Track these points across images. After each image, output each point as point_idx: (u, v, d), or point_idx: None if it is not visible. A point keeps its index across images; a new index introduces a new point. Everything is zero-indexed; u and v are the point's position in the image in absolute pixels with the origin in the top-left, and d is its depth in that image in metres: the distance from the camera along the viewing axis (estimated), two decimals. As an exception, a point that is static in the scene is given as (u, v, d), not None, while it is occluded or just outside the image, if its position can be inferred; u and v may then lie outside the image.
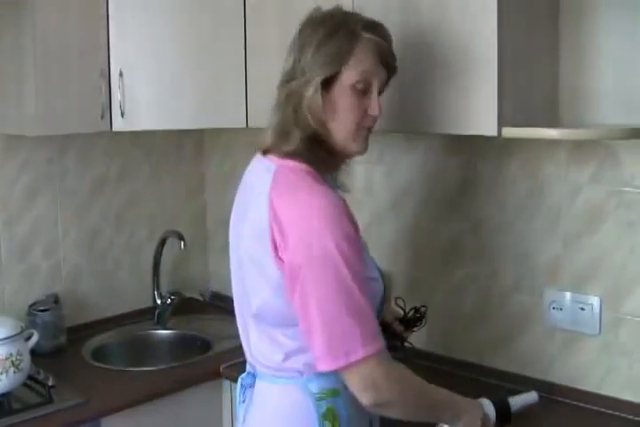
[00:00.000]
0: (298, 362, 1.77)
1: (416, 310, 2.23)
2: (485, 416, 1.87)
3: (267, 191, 1.71)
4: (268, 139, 1.80)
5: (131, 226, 3.11)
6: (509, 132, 2.00)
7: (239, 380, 1.95)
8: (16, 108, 2.50)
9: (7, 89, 2.53)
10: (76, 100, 2.48)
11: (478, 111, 2.02)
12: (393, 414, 1.74)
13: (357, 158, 2.77)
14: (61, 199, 2.90)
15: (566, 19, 2.20)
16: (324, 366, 1.67)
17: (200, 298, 3.08)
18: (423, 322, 2.24)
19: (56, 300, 2.79)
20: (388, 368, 1.68)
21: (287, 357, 1.78)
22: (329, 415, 1.78)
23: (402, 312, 2.22)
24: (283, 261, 1.68)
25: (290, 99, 1.76)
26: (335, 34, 1.74)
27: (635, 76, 2.11)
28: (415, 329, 2.23)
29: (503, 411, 1.99)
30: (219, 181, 3.29)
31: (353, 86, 1.75)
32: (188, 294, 3.11)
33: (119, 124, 2.57)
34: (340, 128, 1.77)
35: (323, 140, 1.77)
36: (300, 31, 1.79)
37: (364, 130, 1.81)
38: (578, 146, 2.25)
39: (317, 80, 1.72)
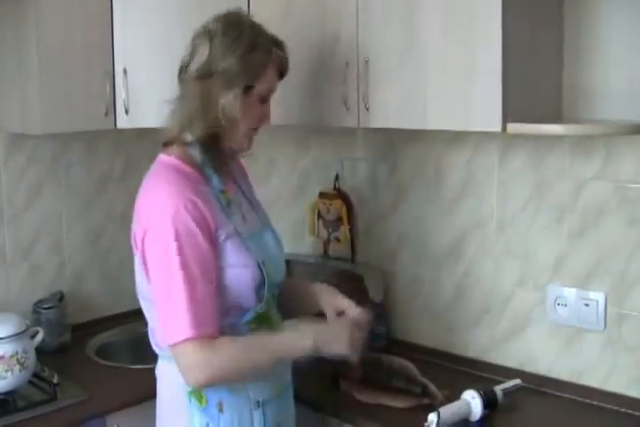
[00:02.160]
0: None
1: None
2: (351, 322, 1.93)
3: (141, 186, 1.94)
4: (171, 130, 1.94)
5: (135, 224, 3.11)
6: (514, 127, 2.00)
7: None
8: (20, 106, 2.50)
9: (11, 87, 2.53)
10: (80, 97, 2.48)
11: (483, 107, 2.03)
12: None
13: (361, 156, 2.80)
14: (66, 197, 2.90)
15: (571, 15, 2.20)
16: (163, 342, 1.83)
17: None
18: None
19: (61, 298, 2.79)
20: (206, 359, 1.77)
21: (156, 332, 1.93)
22: (195, 393, 1.89)
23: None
24: (137, 248, 1.89)
25: (204, 95, 1.89)
26: (257, 46, 1.91)
27: (638, 73, 2.11)
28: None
29: (491, 400, 2.13)
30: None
31: (259, 95, 1.95)
32: (192, 292, 3.10)
33: (123, 122, 2.57)
34: (242, 130, 1.95)
35: (219, 136, 1.93)
36: (224, 32, 1.91)
37: (255, 131, 2.01)
38: (581, 142, 2.24)
39: (239, 86, 1.89)
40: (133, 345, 2.93)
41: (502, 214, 2.44)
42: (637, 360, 2.20)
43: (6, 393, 2.29)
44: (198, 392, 1.87)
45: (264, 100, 1.98)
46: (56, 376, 2.38)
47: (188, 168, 1.89)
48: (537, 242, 2.37)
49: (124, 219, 3.07)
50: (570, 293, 2.31)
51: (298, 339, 1.87)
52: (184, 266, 1.77)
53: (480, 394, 2.13)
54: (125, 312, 3.06)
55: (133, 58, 2.55)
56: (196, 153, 1.92)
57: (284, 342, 1.88)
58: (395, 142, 2.70)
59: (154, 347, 1.99)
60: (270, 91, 1.98)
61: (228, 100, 1.89)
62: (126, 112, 2.55)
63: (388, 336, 2.72)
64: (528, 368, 2.42)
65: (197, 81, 1.91)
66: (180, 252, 1.78)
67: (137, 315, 3.04)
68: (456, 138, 2.51)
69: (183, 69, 1.96)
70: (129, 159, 3.08)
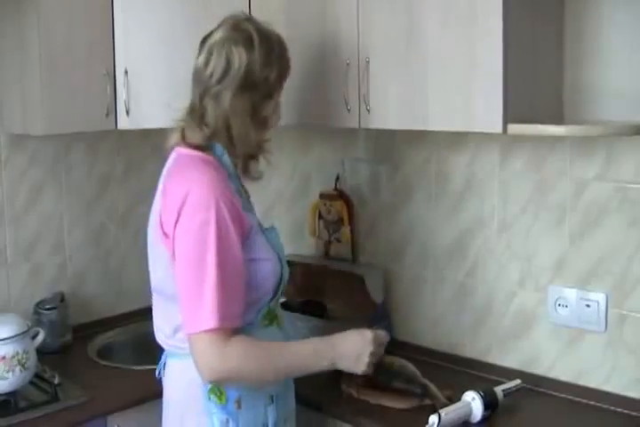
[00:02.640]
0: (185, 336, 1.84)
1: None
2: (373, 339, 1.90)
3: (164, 176, 1.92)
4: (203, 136, 1.90)
5: (136, 224, 3.11)
6: (515, 128, 2.00)
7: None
8: (21, 107, 2.51)
9: (12, 88, 2.54)
10: (81, 98, 2.48)
11: (483, 108, 2.02)
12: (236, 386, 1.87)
13: (362, 157, 2.80)
14: (67, 197, 2.90)
15: (571, 15, 2.20)
16: (186, 331, 1.78)
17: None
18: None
19: (62, 298, 2.79)
20: (223, 351, 1.75)
21: (176, 330, 1.88)
22: (215, 390, 1.86)
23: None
24: (167, 237, 1.81)
25: (247, 108, 1.89)
26: (284, 52, 1.97)
27: (639, 74, 2.11)
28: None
29: (491, 401, 2.14)
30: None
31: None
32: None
33: (124, 123, 2.57)
34: (270, 132, 2.01)
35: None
36: (260, 38, 1.90)
37: None
38: (582, 143, 2.24)
39: (277, 96, 1.96)
40: (135, 346, 2.93)
41: (503, 215, 2.44)
42: (638, 361, 2.20)
43: (7, 394, 2.29)
44: (218, 389, 1.87)
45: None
46: (57, 377, 2.38)
47: (212, 160, 1.88)
48: (538, 243, 2.37)
49: (125, 219, 3.08)
50: (571, 293, 2.31)
51: (317, 355, 1.86)
52: (219, 256, 1.74)
53: (480, 395, 2.14)
54: (127, 313, 3.07)
55: (134, 59, 2.55)
56: (218, 150, 1.91)
57: (302, 355, 1.86)
58: (396, 143, 2.70)
59: (163, 345, 1.98)
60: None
61: (271, 111, 1.95)
62: (127, 113, 2.55)
63: (390, 337, 2.72)
64: (529, 369, 2.42)
65: (239, 93, 1.87)
66: (218, 242, 1.74)
67: (138, 316, 3.06)
68: (457, 138, 2.51)
69: (217, 81, 1.88)
70: (130, 160, 3.08)
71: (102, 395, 2.36)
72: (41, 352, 2.44)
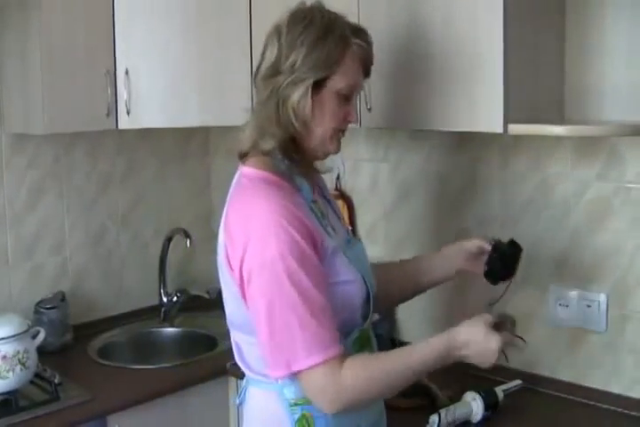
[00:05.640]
0: None
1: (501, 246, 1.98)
2: (499, 349, 1.73)
3: (227, 203, 1.79)
4: (247, 138, 1.80)
5: (137, 224, 3.11)
6: (516, 128, 2.00)
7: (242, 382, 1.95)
8: (23, 106, 2.51)
9: (14, 88, 2.54)
10: (81, 98, 2.49)
11: (484, 108, 2.03)
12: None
13: (363, 156, 2.80)
14: (68, 197, 2.90)
15: (572, 16, 2.19)
16: (272, 373, 1.69)
17: (206, 296, 3.08)
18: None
19: (63, 298, 2.79)
20: (337, 378, 1.64)
21: (257, 364, 1.78)
22: (303, 421, 1.76)
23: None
24: (233, 271, 1.71)
25: (273, 96, 1.75)
26: (327, 36, 1.73)
27: (640, 73, 2.11)
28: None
29: (492, 401, 2.14)
30: (225, 179, 3.23)
31: (338, 92, 1.76)
32: (194, 292, 3.10)
33: (125, 123, 2.57)
34: (321, 130, 1.77)
35: (299, 141, 1.78)
36: (289, 27, 1.75)
37: (340, 133, 1.83)
38: (583, 143, 2.24)
39: (308, 82, 1.72)
40: (135, 345, 2.94)
41: (505, 215, 2.44)
42: (639, 361, 2.20)
43: (8, 393, 2.29)
44: (306, 421, 1.75)
45: (345, 98, 1.78)
46: (57, 376, 2.39)
47: (275, 178, 1.74)
48: (539, 242, 2.37)
49: (126, 219, 3.08)
50: (571, 293, 2.30)
51: (442, 361, 1.72)
52: (296, 286, 1.62)
53: (481, 395, 2.14)
54: (127, 312, 3.07)
55: (135, 58, 2.56)
56: (279, 162, 1.75)
57: (425, 364, 1.71)
58: (397, 143, 2.70)
59: (243, 369, 1.85)
60: (352, 87, 1.78)
61: (298, 98, 1.72)
62: (128, 113, 2.55)
63: (390, 337, 2.72)
64: (529, 369, 2.42)
65: (266, 81, 1.75)
66: (289, 270, 1.62)
67: (138, 315, 3.07)
68: (458, 138, 2.50)
69: (256, 73, 1.81)
70: (131, 160, 3.08)
71: (102, 394, 2.37)
72: (41, 352, 2.44)
